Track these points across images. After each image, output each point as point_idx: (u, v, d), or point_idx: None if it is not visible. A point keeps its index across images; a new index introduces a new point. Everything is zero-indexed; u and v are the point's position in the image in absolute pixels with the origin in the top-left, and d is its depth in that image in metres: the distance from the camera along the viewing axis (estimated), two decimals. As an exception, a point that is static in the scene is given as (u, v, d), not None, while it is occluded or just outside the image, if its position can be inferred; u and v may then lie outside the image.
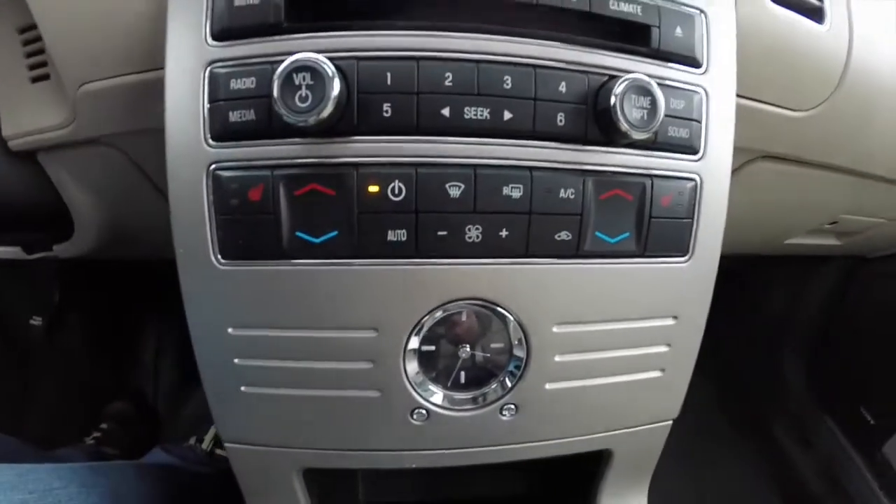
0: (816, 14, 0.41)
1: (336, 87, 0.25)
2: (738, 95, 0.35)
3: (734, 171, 0.46)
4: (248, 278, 0.30)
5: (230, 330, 0.32)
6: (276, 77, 0.25)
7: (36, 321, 0.98)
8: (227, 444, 0.38)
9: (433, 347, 0.32)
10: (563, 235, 0.29)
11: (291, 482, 0.38)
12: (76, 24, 0.36)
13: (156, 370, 1.11)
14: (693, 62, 0.31)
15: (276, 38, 0.27)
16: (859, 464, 1.09)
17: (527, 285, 0.30)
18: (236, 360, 0.33)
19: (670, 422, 0.38)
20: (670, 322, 0.34)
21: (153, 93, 0.35)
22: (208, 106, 0.28)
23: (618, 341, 0.33)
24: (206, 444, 0.92)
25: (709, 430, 1.18)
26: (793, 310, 1.18)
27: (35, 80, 0.42)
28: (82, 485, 0.52)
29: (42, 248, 0.60)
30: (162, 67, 0.31)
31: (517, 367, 0.32)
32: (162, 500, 0.60)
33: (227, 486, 0.86)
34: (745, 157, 0.46)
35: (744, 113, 0.37)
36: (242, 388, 0.34)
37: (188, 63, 0.29)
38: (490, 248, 0.29)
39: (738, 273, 1.13)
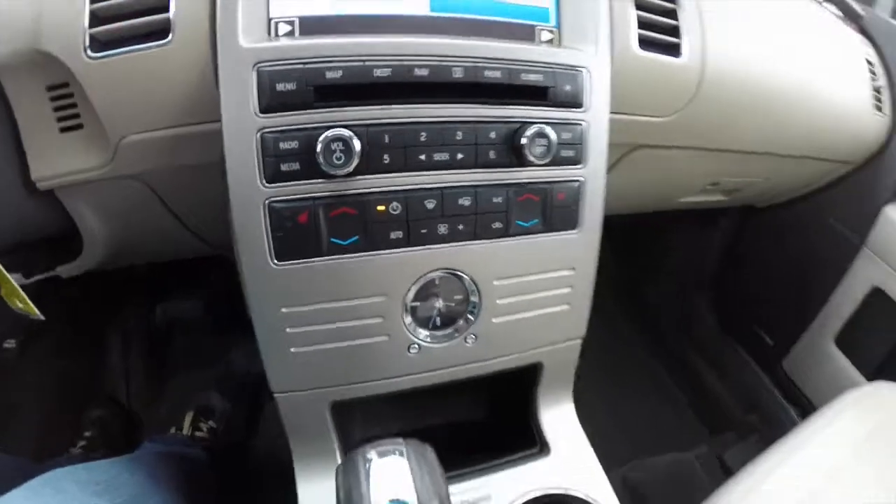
0: (675, 49, 0.63)
1: (357, 147, 0.45)
2: (614, 112, 0.55)
3: (619, 160, 0.70)
4: (297, 272, 0.48)
5: (283, 309, 0.50)
6: (319, 142, 0.44)
7: (10, 344, 1.06)
8: (276, 395, 0.55)
9: (418, 303, 0.53)
10: (497, 224, 0.51)
11: (324, 414, 0.57)
12: (123, 91, 0.49)
13: (126, 372, 1.23)
14: (578, 105, 0.52)
15: (309, 111, 0.45)
16: (765, 380, 1.40)
17: (476, 257, 0.52)
18: (288, 330, 0.50)
19: (580, 340, 0.62)
20: (570, 272, 0.56)
21: (188, 140, 0.51)
22: (263, 159, 0.45)
23: (537, 287, 0.55)
24: (186, 429, 1.08)
25: (632, 363, 1.47)
26: (699, 253, 1.49)
27: (65, 129, 0.53)
28: (132, 472, 0.67)
29: (43, 270, 0.68)
30: (200, 123, 0.49)
31: (473, 310, 0.54)
32: (179, 483, 0.74)
33: (219, 462, 1.05)
34: (625, 150, 0.69)
35: (620, 123, 0.59)
36: (291, 350, 0.52)
37: (243, 129, 0.45)
38: (453, 237, 0.50)
39: (652, 225, 1.41)
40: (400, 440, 0.40)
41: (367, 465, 0.38)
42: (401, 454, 0.39)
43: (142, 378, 1.23)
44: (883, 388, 0.93)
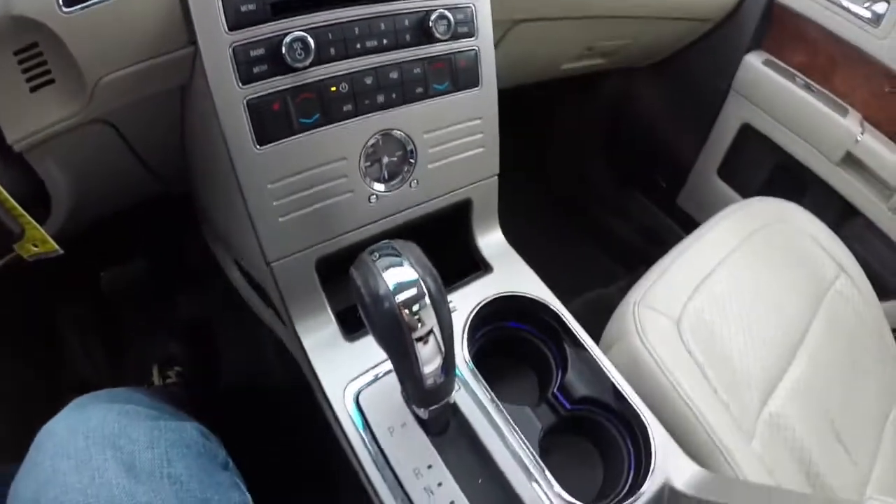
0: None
1: (313, 45, 0.67)
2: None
3: (504, 35, 0.95)
4: (276, 152, 0.66)
5: (269, 185, 0.67)
6: (283, 45, 0.62)
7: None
8: (272, 263, 0.73)
9: (370, 163, 0.76)
10: (419, 89, 0.75)
11: (311, 273, 0.76)
12: (101, 37, 0.60)
13: (86, 353, 1.37)
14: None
15: (270, 23, 0.62)
16: (663, 216, 1.75)
17: (407, 118, 0.75)
18: (274, 203, 0.68)
19: (496, 177, 0.88)
20: (479, 121, 0.82)
21: (158, 69, 0.64)
22: (237, 67, 0.62)
23: (456, 135, 0.80)
24: (157, 381, 1.29)
25: (543, 223, 1.75)
26: (590, 116, 1.81)
27: (35, 88, 0.60)
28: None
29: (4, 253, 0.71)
30: (169, 52, 0.63)
31: (412, 160, 0.78)
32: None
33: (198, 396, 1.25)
34: (508, 25, 0.95)
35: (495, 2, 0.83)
36: (280, 220, 0.70)
37: (217, 45, 0.61)
38: (389, 103, 0.73)
39: (545, 97, 1.70)
40: (390, 241, 0.54)
41: (375, 260, 0.51)
42: (395, 251, 0.53)
43: (103, 353, 1.39)
44: (755, 202, 1.25)
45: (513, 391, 0.79)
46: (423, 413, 0.64)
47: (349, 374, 0.74)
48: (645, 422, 0.73)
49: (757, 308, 1.00)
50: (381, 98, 0.73)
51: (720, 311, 0.97)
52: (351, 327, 0.79)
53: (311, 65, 0.67)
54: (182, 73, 0.67)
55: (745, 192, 1.46)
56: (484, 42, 0.80)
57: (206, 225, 1.08)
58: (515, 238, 0.93)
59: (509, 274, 0.87)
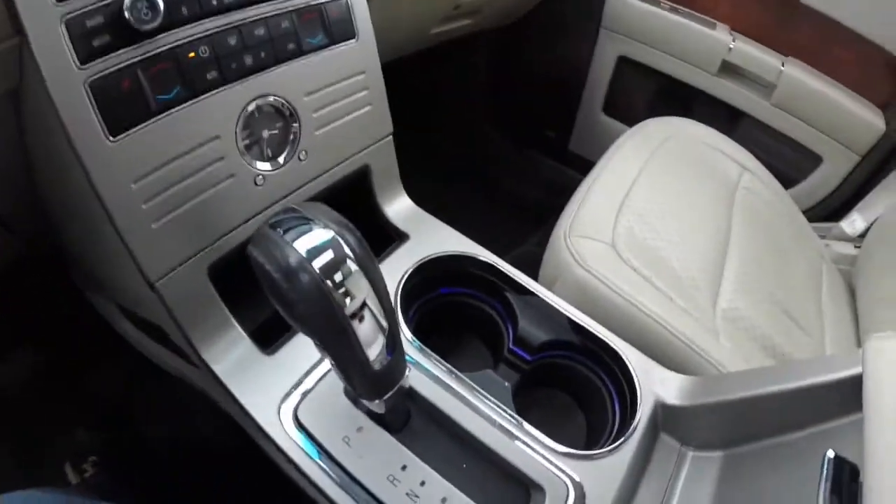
0: None
1: (161, 3, 0.57)
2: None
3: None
4: (135, 142, 0.54)
5: (133, 186, 0.55)
6: (125, 8, 0.53)
7: None
8: (157, 284, 0.61)
9: (248, 140, 0.65)
10: (291, 46, 0.65)
11: (205, 283, 0.64)
12: None
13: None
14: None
15: None
16: (560, 166, 1.77)
17: (283, 79, 0.66)
18: (143, 206, 0.56)
19: (391, 136, 0.81)
20: (362, 76, 0.74)
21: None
22: (73, 42, 0.50)
23: (341, 94, 0.72)
24: (72, 478, 1.12)
25: (443, 189, 1.66)
26: (472, 81, 1.78)
27: None
28: None
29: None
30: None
31: (296, 128, 0.68)
32: None
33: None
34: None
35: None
36: (153, 227, 0.58)
37: (45, 21, 0.49)
38: (259, 65, 0.63)
39: (426, 67, 1.64)
40: (289, 205, 0.46)
41: (277, 229, 0.43)
42: (299, 212, 0.44)
43: (11, 462, 1.20)
44: (649, 123, 1.30)
45: (466, 363, 0.72)
46: (378, 407, 0.54)
47: (279, 392, 0.63)
48: (615, 348, 0.69)
49: (679, 218, 1.03)
50: (249, 60, 0.64)
51: (648, 226, 0.98)
52: (267, 340, 0.69)
53: (162, 28, 0.56)
54: (8, 73, 0.54)
55: (633, 123, 1.47)
56: (354, -2, 0.72)
57: (75, 270, 0.93)
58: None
59: (428, 237, 0.80)
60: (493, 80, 1.81)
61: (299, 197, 0.72)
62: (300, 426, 0.60)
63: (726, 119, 1.53)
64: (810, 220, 1.40)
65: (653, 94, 1.59)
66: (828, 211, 1.53)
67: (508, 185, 1.86)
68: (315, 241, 0.42)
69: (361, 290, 0.44)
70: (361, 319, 0.44)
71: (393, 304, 0.67)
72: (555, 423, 0.74)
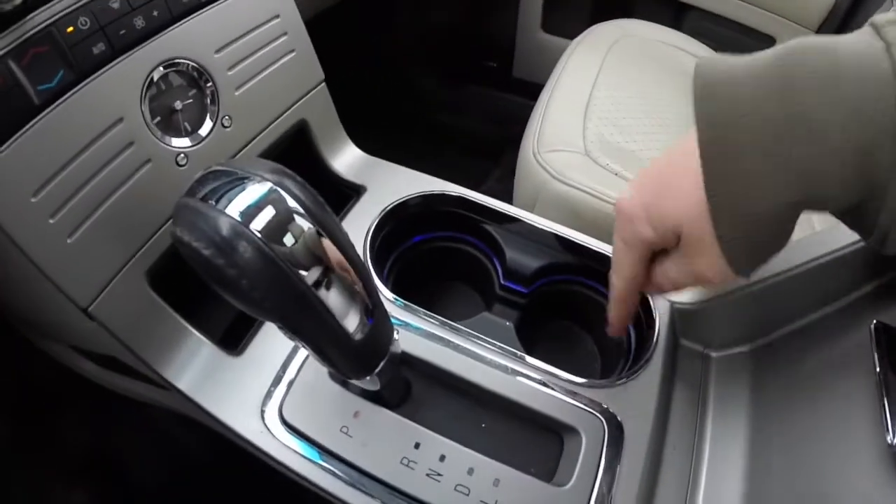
0: None
1: None
2: None
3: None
4: (24, 147, 0.45)
5: (33, 199, 0.46)
6: None
7: None
8: (92, 309, 0.51)
9: (160, 117, 0.56)
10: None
11: (146, 293, 0.55)
12: None
13: None
14: None
15: None
16: (507, 96, 1.71)
17: (186, 39, 0.57)
18: (51, 221, 0.47)
19: (324, 84, 0.72)
20: (278, 20, 0.65)
21: None
22: None
23: (256, 44, 0.63)
24: None
25: (393, 137, 1.61)
26: (397, 23, 1.73)
27: None
28: None
29: None
30: None
31: (213, 93, 0.60)
32: None
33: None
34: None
35: None
36: (69, 241, 0.48)
37: None
38: (154, 26, 0.54)
39: (352, 20, 1.59)
40: (211, 166, 0.37)
41: (200, 196, 0.34)
42: (225, 170, 0.35)
43: None
44: (595, 29, 1.27)
45: (458, 312, 0.65)
46: (371, 384, 0.47)
47: (257, 395, 0.55)
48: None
49: (648, 115, 1.00)
50: (140, 23, 0.54)
51: (618, 129, 0.93)
52: (235, 339, 0.60)
53: (28, 7, 0.47)
54: None
55: (576, 35, 1.41)
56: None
57: (13, 319, 0.81)
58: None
59: (387, 184, 0.72)
60: (421, 19, 1.73)
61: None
62: (290, 428, 0.52)
63: (672, 15, 1.48)
64: None
65: (591, 1, 1.53)
66: None
67: (457, 125, 1.79)
68: (249, 199, 0.33)
69: (321, 250, 0.36)
70: (329, 286, 0.37)
71: (368, 264, 0.60)
72: (566, 355, 0.68)
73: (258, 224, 0.33)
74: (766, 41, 1.45)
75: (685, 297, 0.61)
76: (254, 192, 0.34)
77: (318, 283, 0.36)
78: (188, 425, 0.69)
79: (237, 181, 0.34)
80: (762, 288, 0.56)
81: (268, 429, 0.52)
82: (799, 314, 0.56)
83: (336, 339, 0.39)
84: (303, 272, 0.35)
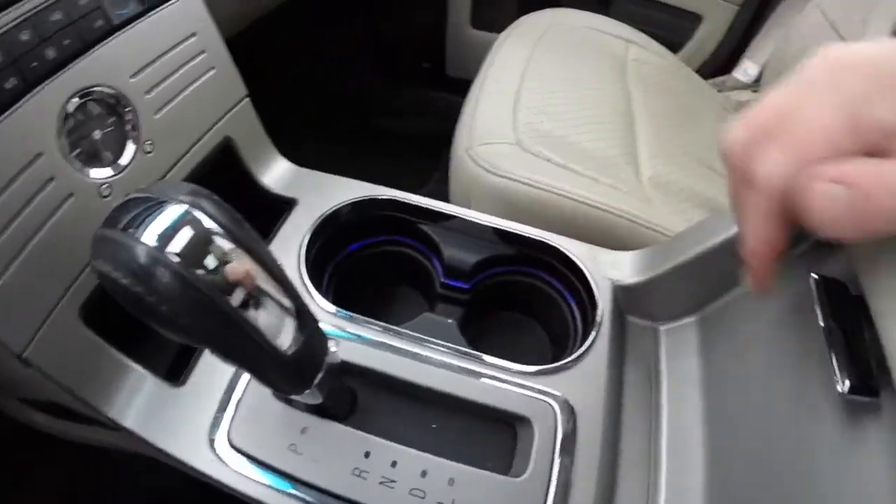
0: None
1: None
2: None
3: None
4: None
5: None
6: None
7: None
8: (27, 355, 0.49)
9: (80, 149, 0.55)
10: (99, 23, 0.56)
11: (82, 331, 0.54)
12: None
13: None
14: None
15: None
16: (443, 94, 1.75)
17: (99, 67, 0.56)
18: None
19: (248, 99, 0.72)
20: (194, 38, 0.65)
21: None
22: None
23: (173, 64, 0.63)
24: None
25: (332, 144, 1.69)
26: (332, 30, 1.73)
27: None
28: None
29: None
30: None
31: (132, 118, 0.59)
32: None
33: None
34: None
35: None
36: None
37: None
38: (66, 55, 0.53)
39: (287, 29, 1.61)
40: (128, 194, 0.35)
41: (116, 226, 0.33)
42: (141, 198, 0.34)
43: None
44: (523, 20, 1.29)
45: (403, 315, 0.65)
46: (312, 398, 0.47)
47: (204, 424, 0.54)
48: (552, 244, 0.65)
49: (578, 102, 1.02)
50: (52, 53, 0.53)
51: (549, 117, 0.95)
52: (176, 371, 0.59)
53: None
54: None
55: (504, 29, 1.42)
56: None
57: None
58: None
59: (317, 194, 0.71)
60: (352, 25, 1.74)
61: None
62: (240, 453, 0.52)
63: (600, 1, 1.52)
64: (704, 78, 1.44)
65: (517, -7, 1.55)
66: (718, 66, 1.56)
67: (396, 128, 1.81)
68: (165, 223, 0.33)
69: (242, 268, 0.35)
70: (254, 305, 0.36)
71: (301, 277, 0.60)
72: (516, 346, 0.70)
73: (175, 248, 0.32)
74: (693, 19, 1.50)
75: (626, 274, 0.63)
76: (169, 216, 0.33)
77: (242, 303, 0.36)
78: (153, 466, 0.68)
79: (153, 207, 0.34)
80: (702, 256, 0.57)
81: (218, 457, 0.52)
82: (736, 280, 0.57)
83: (268, 357, 0.39)
84: (225, 293, 0.35)
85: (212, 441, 0.53)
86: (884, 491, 0.31)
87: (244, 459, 0.51)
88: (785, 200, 0.30)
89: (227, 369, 0.56)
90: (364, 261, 0.72)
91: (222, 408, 0.54)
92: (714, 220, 0.59)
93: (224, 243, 0.35)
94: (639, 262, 0.64)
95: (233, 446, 0.52)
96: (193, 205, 0.34)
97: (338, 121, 1.82)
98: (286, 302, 0.39)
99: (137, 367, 0.58)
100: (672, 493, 0.53)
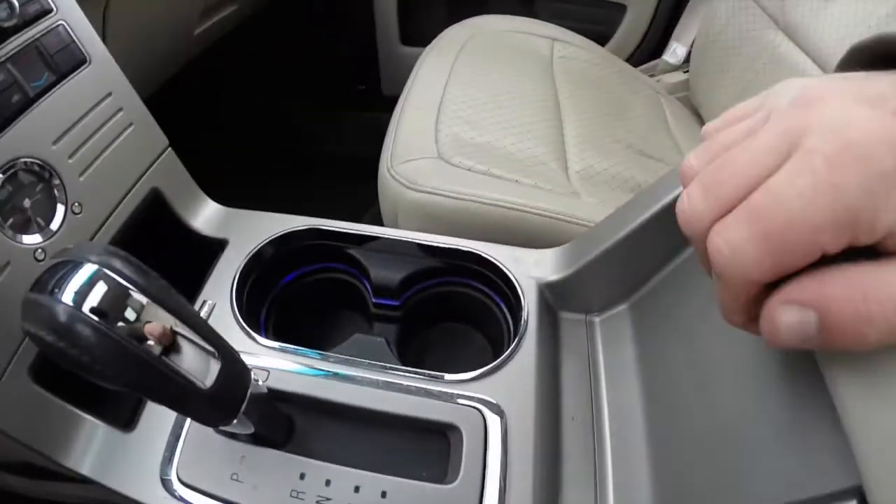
0: None
1: None
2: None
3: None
4: None
5: None
6: None
7: None
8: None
9: (12, 219, 0.57)
10: (16, 98, 0.58)
11: (32, 389, 0.57)
12: None
13: None
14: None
15: None
16: (378, 114, 1.67)
17: (20, 139, 0.59)
18: None
19: (169, 148, 0.76)
20: (111, 99, 0.68)
21: None
22: None
23: (95, 126, 0.66)
24: None
25: (274, 177, 1.72)
26: (262, 62, 1.79)
27: None
28: None
29: None
30: None
31: (58, 183, 0.62)
32: None
33: None
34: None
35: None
36: None
37: None
38: None
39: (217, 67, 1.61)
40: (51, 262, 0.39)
41: (40, 289, 0.37)
42: (58, 264, 0.38)
43: None
44: (447, 32, 1.33)
45: (338, 338, 0.69)
46: (244, 427, 0.51)
47: (156, 464, 0.57)
48: (472, 251, 0.68)
49: (503, 106, 1.05)
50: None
51: (471, 125, 0.99)
52: (129, 417, 0.63)
53: None
54: None
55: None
56: (70, 13, 0.67)
57: None
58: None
59: (247, 233, 0.75)
60: (287, 56, 1.78)
61: (92, 252, 0.66)
62: (190, 488, 0.55)
63: (524, 2, 1.57)
64: (635, 66, 1.48)
65: (444, 5, 1.61)
66: (648, 52, 1.61)
67: (337, 153, 1.84)
68: (79, 283, 0.37)
69: (154, 315, 0.40)
70: (171, 348, 0.41)
71: (234, 313, 0.64)
72: (458, 354, 0.73)
73: (90, 304, 0.37)
74: (618, 9, 1.55)
75: (549, 271, 0.67)
76: (83, 275, 0.37)
77: (155, 348, 0.40)
78: None
79: (71, 268, 0.38)
80: (622, 242, 0.61)
81: (172, 494, 0.55)
82: (665, 259, 0.61)
83: (187, 394, 0.43)
84: (138, 340, 0.39)
85: (164, 480, 0.56)
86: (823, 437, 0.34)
87: (195, 494, 0.55)
88: (758, 289, 0.27)
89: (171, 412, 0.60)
90: (301, 290, 0.75)
91: (171, 447, 0.58)
92: (630, 206, 0.62)
93: (134, 295, 0.39)
94: (561, 258, 0.68)
95: (182, 482, 0.55)
96: (103, 264, 0.38)
97: (279, 153, 1.85)
98: (199, 341, 0.43)
99: (89, 417, 0.61)
100: (619, 477, 0.56)
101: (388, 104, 1.71)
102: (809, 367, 0.34)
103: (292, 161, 1.83)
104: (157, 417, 0.60)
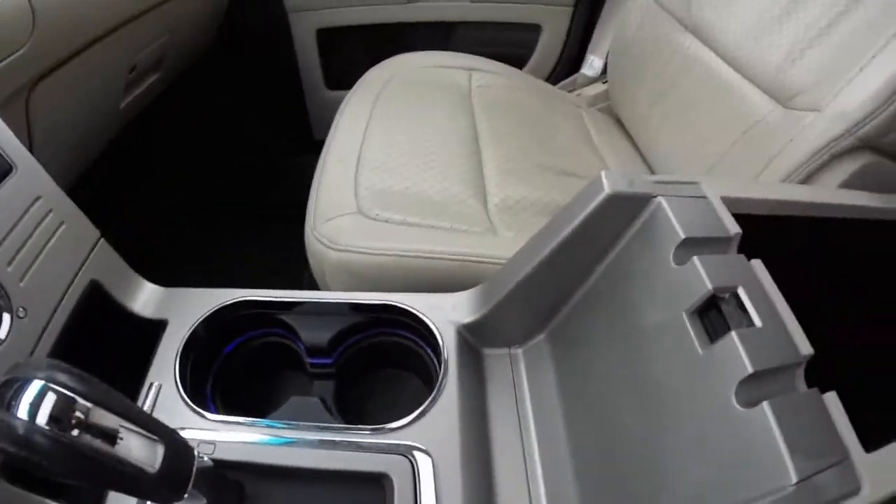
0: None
1: None
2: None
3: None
4: None
5: None
6: None
7: None
8: None
9: None
10: None
11: (7, 488, 0.59)
12: None
13: None
14: None
15: None
16: (313, 158, 1.79)
17: None
18: None
19: (102, 240, 0.82)
20: (41, 201, 0.74)
21: None
22: None
23: (27, 231, 0.71)
24: None
25: (232, 236, 1.75)
26: (200, 124, 1.83)
27: None
28: None
29: None
30: None
31: (4, 298, 0.67)
32: None
33: None
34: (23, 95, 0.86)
35: None
36: None
37: None
38: None
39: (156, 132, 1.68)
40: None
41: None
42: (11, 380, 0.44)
43: None
44: (367, 75, 1.40)
45: (278, 400, 0.75)
46: (198, 500, 0.56)
47: None
48: (389, 302, 0.74)
49: (421, 147, 1.10)
50: None
51: (389, 173, 1.03)
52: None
53: None
54: None
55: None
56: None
57: None
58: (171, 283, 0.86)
59: (186, 311, 0.80)
60: (219, 111, 1.83)
61: (41, 353, 0.72)
62: None
63: (441, 38, 1.64)
64: (556, 83, 1.54)
65: (363, 48, 1.67)
66: (567, 68, 1.68)
67: (280, 201, 1.84)
68: (30, 398, 0.44)
69: (99, 417, 0.47)
70: (117, 442, 0.47)
71: (181, 394, 0.70)
72: (399, 400, 0.80)
73: (43, 416, 0.44)
74: (533, 30, 1.63)
75: (465, 313, 0.73)
76: (32, 391, 0.44)
77: (105, 445, 0.46)
78: None
79: (21, 385, 0.45)
80: (531, 275, 0.66)
81: None
82: (575, 284, 0.67)
83: (137, 480, 0.49)
84: (89, 440, 0.46)
85: None
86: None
87: None
88: None
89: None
90: (244, 356, 0.81)
91: None
92: (540, 235, 0.67)
93: (80, 401, 0.46)
94: (476, 299, 0.74)
95: None
96: (49, 379, 0.45)
97: (223, 208, 1.88)
98: (142, 431, 0.50)
99: None
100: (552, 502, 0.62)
101: (320, 148, 1.79)
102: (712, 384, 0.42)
103: (237, 215, 1.86)
104: (123, 499, 0.64)
